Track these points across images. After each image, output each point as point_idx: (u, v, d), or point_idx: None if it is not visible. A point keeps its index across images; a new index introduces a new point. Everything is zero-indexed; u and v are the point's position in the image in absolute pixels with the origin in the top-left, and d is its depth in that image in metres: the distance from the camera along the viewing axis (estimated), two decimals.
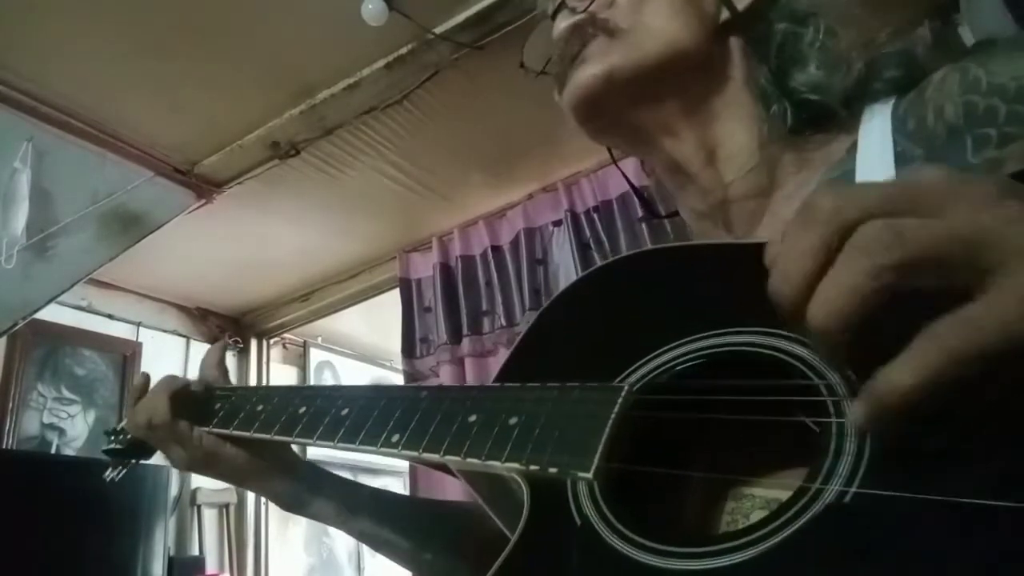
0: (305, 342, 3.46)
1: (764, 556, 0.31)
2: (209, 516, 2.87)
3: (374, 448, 0.50)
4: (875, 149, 0.48)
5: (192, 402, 0.69)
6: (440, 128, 2.08)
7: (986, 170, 0.41)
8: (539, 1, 0.67)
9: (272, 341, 3.33)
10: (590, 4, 0.58)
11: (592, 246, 2.26)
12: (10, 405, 2.30)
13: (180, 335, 2.97)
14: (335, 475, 0.71)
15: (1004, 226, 0.26)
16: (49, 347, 2.48)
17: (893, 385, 0.27)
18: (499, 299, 2.42)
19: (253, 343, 3.25)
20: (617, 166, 0.74)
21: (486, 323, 2.45)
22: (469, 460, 0.44)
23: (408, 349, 2.57)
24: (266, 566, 2.96)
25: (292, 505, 0.69)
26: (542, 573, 0.38)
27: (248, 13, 1.63)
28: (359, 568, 3.42)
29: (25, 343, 2.37)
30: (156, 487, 2.35)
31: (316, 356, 3.50)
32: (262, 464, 0.67)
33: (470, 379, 2.37)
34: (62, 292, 1.96)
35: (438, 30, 1.72)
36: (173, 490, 2.59)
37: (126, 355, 2.71)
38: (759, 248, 0.44)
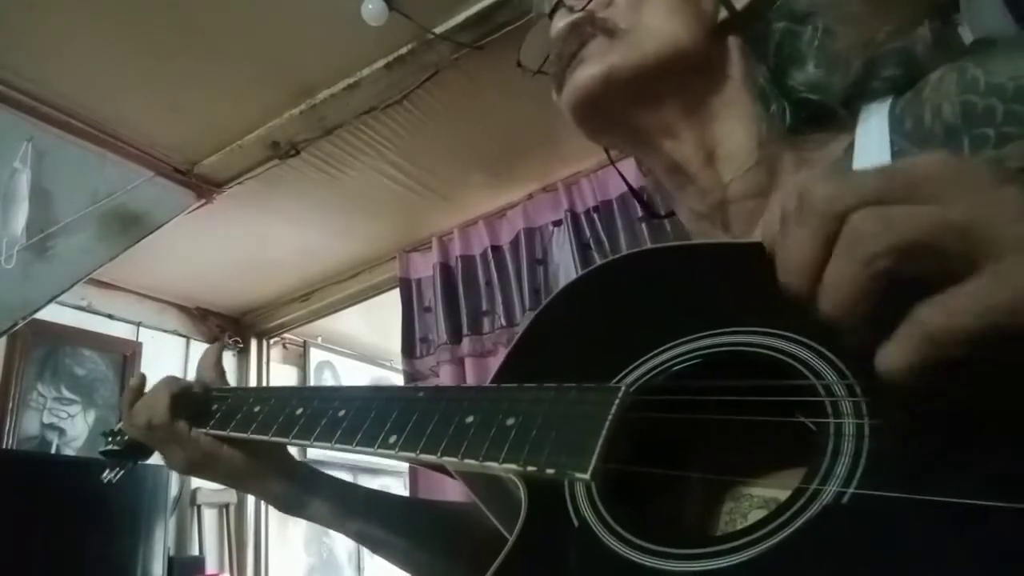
0: (305, 342, 3.46)
1: (762, 557, 0.31)
2: (209, 516, 2.87)
3: (371, 449, 0.50)
4: (872, 149, 0.48)
5: (191, 403, 0.69)
6: (440, 128, 2.08)
7: None
8: (535, 0, 0.67)
9: (272, 341, 3.33)
10: (588, 3, 0.58)
11: (592, 246, 2.26)
12: (10, 405, 2.30)
13: (180, 335, 2.97)
14: (331, 476, 0.71)
15: (996, 213, 0.27)
16: (49, 347, 2.49)
17: (884, 367, 0.28)
18: (499, 299, 2.42)
19: (253, 343, 3.25)
20: (615, 167, 0.74)
21: (486, 323, 2.45)
22: (466, 461, 0.44)
23: (408, 349, 2.57)
24: (266, 566, 2.96)
25: (288, 506, 0.69)
26: (540, 575, 0.38)
27: (248, 13, 1.63)
28: (359, 568, 3.42)
29: (25, 343, 2.37)
30: (156, 487, 2.35)
31: (316, 356, 3.50)
32: (259, 465, 0.67)
33: (470, 379, 2.37)
34: (62, 292, 1.96)
35: (438, 30, 1.72)
36: (173, 490, 2.59)
37: (126, 355, 2.71)
38: (757, 247, 0.44)
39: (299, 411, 0.59)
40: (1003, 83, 0.42)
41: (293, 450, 0.68)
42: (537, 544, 0.39)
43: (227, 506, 2.92)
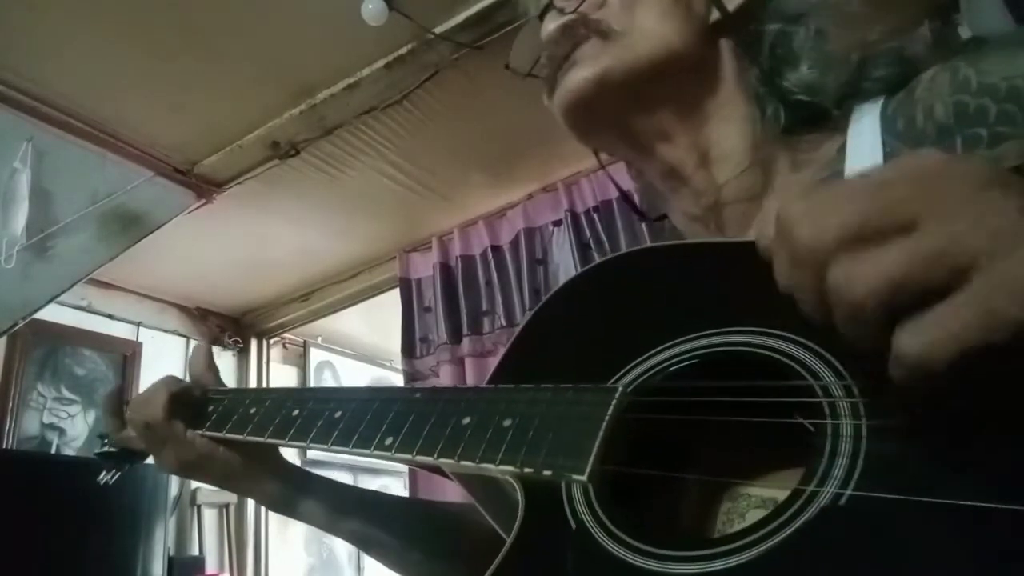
0: (305, 342, 3.46)
1: (760, 559, 0.31)
2: (209, 516, 2.87)
3: (367, 451, 0.50)
4: (865, 150, 0.48)
5: (189, 404, 0.69)
6: (440, 128, 2.08)
7: None
8: (523, 1, 0.67)
9: (272, 341, 3.33)
10: (580, 5, 0.58)
11: (592, 246, 2.26)
12: (10, 405, 2.30)
13: (180, 335, 2.97)
14: (325, 477, 0.70)
15: (969, 230, 0.27)
16: (49, 347, 2.49)
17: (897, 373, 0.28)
18: (499, 299, 2.42)
19: (253, 343, 3.25)
20: (606, 170, 0.74)
21: (486, 323, 2.45)
22: (463, 463, 0.44)
23: (408, 349, 2.57)
24: (266, 566, 2.96)
25: (280, 506, 0.68)
26: None
27: (248, 13, 1.63)
28: (359, 568, 3.42)
29: (25, 343, 2.37)
30: (156, 487, 2.35)
31: (316, 356, 3.50)
32: (252, 467, 0.67)
33: (470, 379, 2.37)
34: (62, 292, 1.96)
35: (438, 30, 1.72)
36: (173, 490, 2.59)
37: (126, 355, 2.71)
38: (755, 247, 0.44)
39: (295, 412, 0.59)
40: (995, 83, 0.41)
41: (292, 451, 0.68)
42: (534, 546, 0.39)
43: (227, 506, 2.92)
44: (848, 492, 0.31)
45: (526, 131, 2.07)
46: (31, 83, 1.76)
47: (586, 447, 0.39)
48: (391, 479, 3.48)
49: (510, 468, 0.42)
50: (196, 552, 2.77)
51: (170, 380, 0.70)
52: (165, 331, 2.90)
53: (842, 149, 0.50)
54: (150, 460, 0.74)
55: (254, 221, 2.47)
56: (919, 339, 0.27)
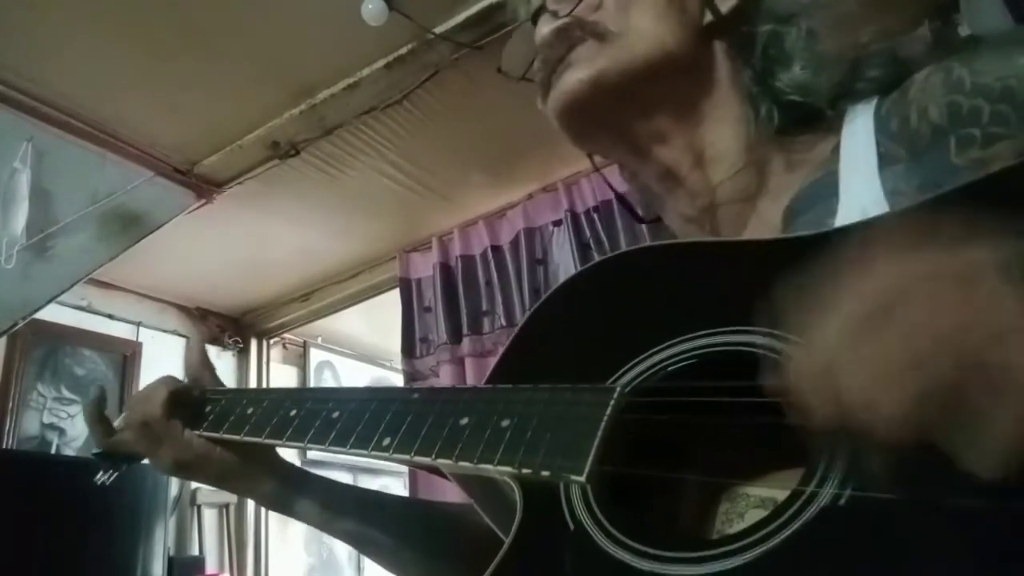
0: (305, 342, 3.46)
1: (760, 560, 0.31)
2: (209, 516, 2.87)
3: (365, 451, 0.50)
4: (858, 150, 0.48)
5: (187, 404, 0.68)
6: (440, 128, 2.08)
7: (970, 170, 0.41)
8: (511, 4, 0.67)
9: (272, 341, 3.33)
10: (574, 8, 0.58)
11: (592, 246, 2.26)
12: (10, 405, 2.30)
13: (180, 335, 2.97)
14: (322, 477, 0.70)
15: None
16: (49, 347, 2.49)
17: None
18: (499, 299, 2.42)
19: (253, 343, 3.25)
20: (600, 173, 0.74)
21: (486, 323, 2.45)
22: (461, 463, 0.44)
23: (408, 349, 2.57)
24: (266, 566, 2.96)
25: (277, 506, 0.68)
26: None
27: (248, 13, 1.63)
28: (359, 568, 3.42)
29: (25, 343, 2.37)
30: (156, 487, 2.34)
31: (316, 356, 3.49)
32: (249, 467, 0.67)
33: (470, 379, 2.37)
34: (62, 292, 1.97)
35: (438, 30, 1.72)
36: (173, 490, 2.59)
37: (126, 355, 2.71)
38: (753, 246, 0.44)
39: (293, 413, 0.59)
40: (989, 83, 0.42)
41: (292, 451, 0.68)
42: (532, 547, 0.39)
43: (227, 506, 2.92)
44: (847, 492, 0.31)
45: (526, 131, 2.06)
46: (31, 83, 1.76)
47: (584, 448, 0.39)
48: (391, 479, 3.48)
49: (508, 469, 0.41)
50: (196, 552, 2.77)
51: (169, 379, 0.70)
52: (165, 331, 2.90)
53: (836, 149, 0.50)
54: (146, 460, 0.74)
55: (254, 221, 2.47)
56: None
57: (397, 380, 3.57)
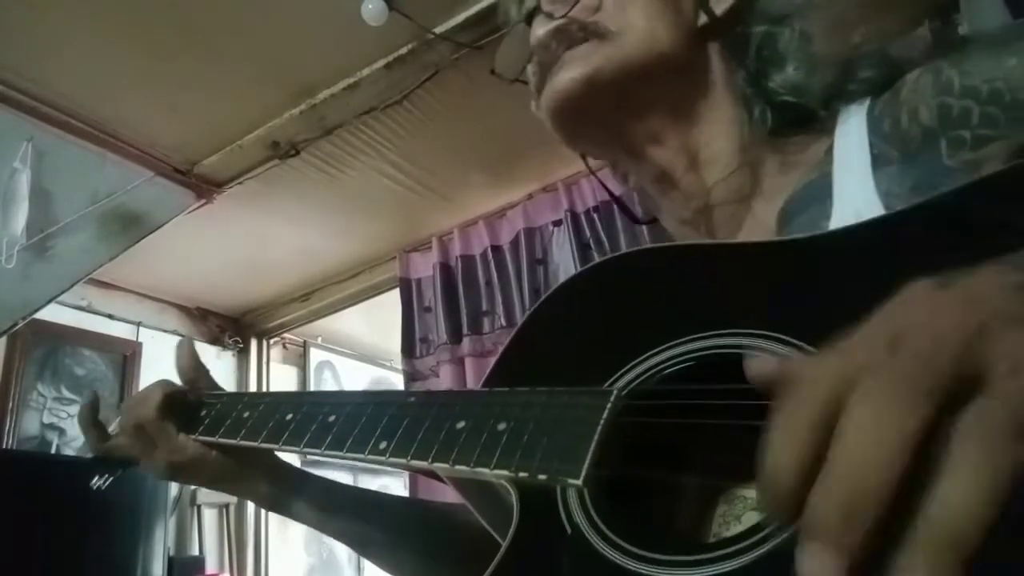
0: (305, 342, 3.46)
1: (755, 564, 0.31)
2: (209, 516, 2.87)
3: (362, 455, 0.49)
4: (852, 151, 0.48)
5: (182, 406, 0.68)
6: (440, 128, 2.08)
7: (962, 172, 0.41)
8: (502, 6, 0.66)
9: (272, 341, 3.33)
10: (570, 9, 0.58)
11: (592, 246, 2.26)
12: (10, 405, 2.31)
13: (180, 335, 2.97)
14: (320, 477, 0.70)
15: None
16: (49, 347, 2.49)
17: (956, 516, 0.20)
18: (499, 299, 2.42)
19: (253, 343, 3.25)
20: (595, 175, 0.74)
21: (486, 323, 2.45)
22: (457, 467, 0.44)
23: (408, 349, 2.57)
24: (266, 566, 2.96)
25: (273, 506, 0.68)
26: None
27: (248, 13, 1.63)
28: (359, 568, 3.42)
29: (25, 343, 2.37)
30: (156, 487, 2.34)
31: (316, 356, 3.49)
32: (244, 470, 0.66)
33: (470, 379, 2.37)
34: (62, 292, 1.97)
35: (438, 30, 1.72)
36: (173, 490, 2.59)
37: (126, 355, 2.71)
38: (749, 248, 0.44)
39: (289, 417, 0.58)
40: (977, 85, 0.42)
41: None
42: (529, 551, 0.39)
43: (227, 506, 2.92)
44: None
45: (526, 131, 2.06)
46: (31, 83, 1.76)
47: (581, 451, 0.39)
48: (391, 479, 3.48)
49: (505, 472, 0.41)
50: (196, 552, 2.77)
51: (164, 383, 0.70)
52: (165, 331, 2.90)
53: (830, 150, 0.50)
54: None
55: (254, 221, 2.47)
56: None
57: (397, 380, 3.57)
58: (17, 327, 1.92)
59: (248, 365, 3.20)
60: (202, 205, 2.22)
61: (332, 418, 0.54)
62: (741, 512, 0.40)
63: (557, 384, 0.44)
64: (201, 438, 0.65)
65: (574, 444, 0.40)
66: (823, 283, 0.39)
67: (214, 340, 3.12)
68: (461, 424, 0.45)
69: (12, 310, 1.86)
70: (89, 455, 0.74)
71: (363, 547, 0.69)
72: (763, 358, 0.28)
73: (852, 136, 0.49)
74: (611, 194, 0.74)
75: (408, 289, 2.65)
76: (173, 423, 0.67)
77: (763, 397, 0.36)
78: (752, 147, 0.56)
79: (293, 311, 3.11)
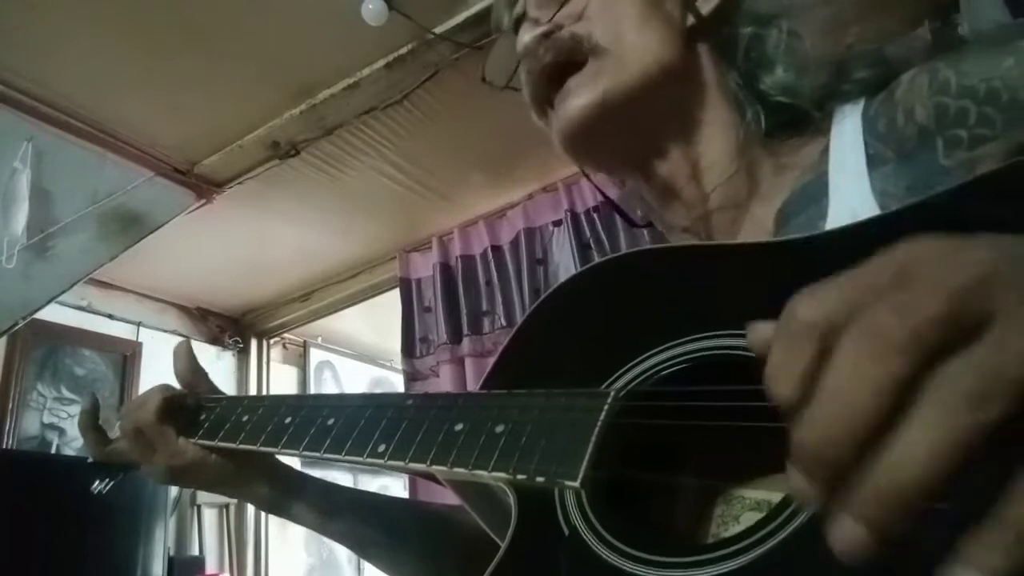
0: (305, 342, 3.46)
1: (753, 564, 0.31)
2: (209, 516, 2.87)
3: (360, 458, 0.49)
4: (847, 152, 0.48)
5: (182, 410, 0.68)
6: (440, 128, 2.08)
7: (958, 171, 0.41)
8: (495, 13, 0.66)
9: (272, 341, 3.33)
10: (555, 14, 0.57)
11: (592, 246, 2.26)
12: (10, 405, 2.31)
13: (180, 335, 2.97)
14: (318, 479, 0.70)
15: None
16: (49, 347, 2.49)
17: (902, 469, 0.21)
18: (499, 299, 2.42)
19: (253, 343, 3.25)
20: (592, 182, 0.74)
21: (486, 323, 2.45)
22: (456, 469, 0.44)
23: (408, 349, 2.57)
24: (266, 566, 2.96)
25: (272, 508, 0.68)
26: None
27: (248, 13, 1.63)
28: (359, 568, 3.42)
29: (25, 343, 2.38)
30: (156, 487, 2.34)
31: (316, 356, 3.50)
32: (244, 472, 0.66)
33: (470, 379, 2.37)
34: (62, 292, 1.97)
35: (438, 30, 1.72)
36: (173, 490, 2.59)
37: (126, 355, 2.72)
38: (746, 249, 0.44)
39: (288, 420, 0.58)
40: (974, 84, 0.42)
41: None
42: (527, 553, 0.39)
43: (227, 506, 2.92)
44: None
45: (526, 131, 2.04)
46: (31, 83, 1.76)
47: (579, 453, 0.39)
48: (391, 480, 3.48)
49: (503, 475, 0.41)
50: (196, 552, 2.77)
51: (164, 386, 0.70)
52: (165, 331, 2.90)
53: (825, 151, 0.50)
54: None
55: (254, 221, 2.47)
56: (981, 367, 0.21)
57: (397, 380, 3.58)
58: (17, 327, 1.92)
59: (248, 365, 3.20)
60: (202, 205, 2.22)
61: (331, 421, 0.54)
62: (740, 513, 0.40)
63: (556, 384, 0.44)
64: (200, 442, 0.65)
65: (572, 446, 0.40)
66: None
67: (214, 340, 3.12)
68: (459, 426, 0.45)
69: (12, 310, 1.86)
70: (88, 461, 0.74)
71: (363, 549, 0.69)
72: (762, 325, 0.28)
73: (847, 136, 0.49)
74: (609, 200, 0.74)
75: (408, 289, 2.65)
76: (172, 427, 0.66)
77: (763, 399, 0.36)
78: (748, 150, 0.56)
79: (293, 311, 3.11)
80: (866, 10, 0.54)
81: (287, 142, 2.06)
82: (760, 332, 0.28)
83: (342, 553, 3.36)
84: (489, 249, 2.49)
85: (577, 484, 0.38)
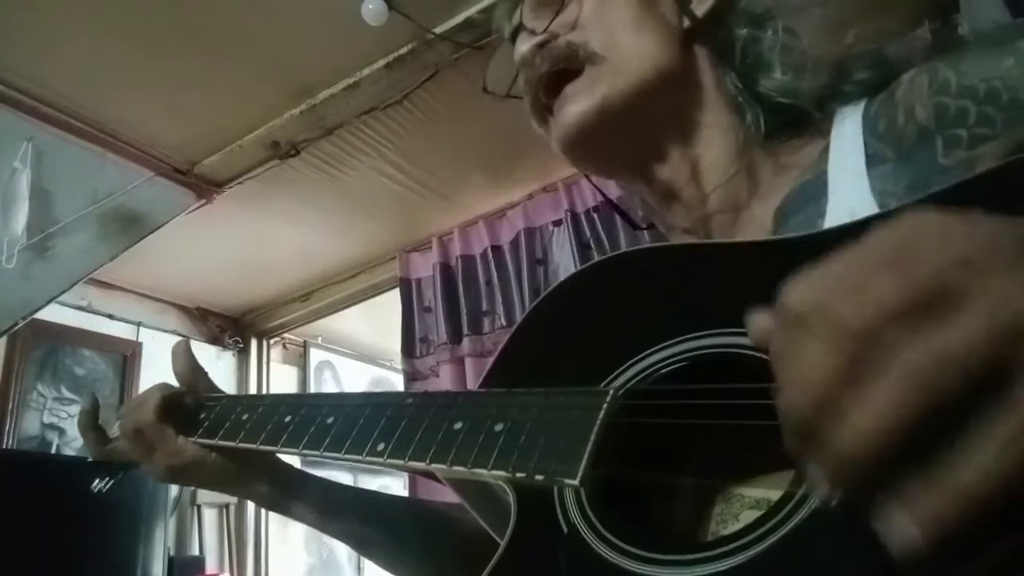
0: (305, 342, 3.46)
1: (752, 562, 0.31)
2: (209, 516, 2.87)
3: (360, 457, 0.49)
4: (847, 151, 0.48)
5: (181, 409, 0.68)
6: (440, 128, 2.08)
7: (957, 171, 0.41)
8: (496, 23, 0.66)
9: (272, 341, 3.33)
10: (550, 24, 0.57)
11: (592, 246, 2.26)
12: (10, 405, 2.31)
13: (180, 335, 2.97)
14: (319, 477, 0.70)
15: None
16: (49, 347, 2.49)
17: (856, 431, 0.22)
18: (499, 299, 2.42)
19: (253, 343, 3.25)
20: (595, 185, 0.74)
21: (486, 323, 2.45)
22: (455, 468, 0.44)
23: (408, 349, 2.57)
24: (266, 566, 2.96)
25: (273, 507, 0.68)
26: None
27: (248, 13, 1.63)
28: (359, 568, 3.42)
29: (25, 343, 2.38)
30: (156, 487, 2.34)
31: (316, 356, 3.50)
32: (244, 471, 0.67)
33: (470, 379, 2.37)
34: (62, 292, 1.97)
35: (438, 30, 1.72)
36: (173, 490, 2.59)
37: (126, 355, 2.72)
38: (744, 248, 0.44)
39: (287, 419, 0.58)
40: (974, 84, 0.42)
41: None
42: (527, 551, 0.39)
43: (227, 506, 2.92)
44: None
45: (526, 131, 2.04)
46: (31, 83, 1.76)
47: (578, 451, 0.39)
48: (391, 479, 3.48)
49: (502, 473, 0.41)
50: (196, 552, 2.77)
51: (163, 386, 0.70)
52: (165, 331, 2.90)
53: (825, 151, 0.50)
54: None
55: (254, 221, 2.47)
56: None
57: (397, 380, 3.58)
58: (17, 327, 1.92)
59: (248, 365, 3.20)
60: (202, 205, 2.22)
61: (330, 420, 0.54)
62: (739, 511, 0.41)
63: (555, 382, 0.44)
64: (200, 441, 0.65)
65: (571, 444, 0.40)
66: None
67: (214, 340, 3.12)
68: (458, 425, 0.46)
69: (12, 310, 1.86)
70: (88, 460, 0.74)
71: (363, 547, 0.69)
72: (761, 315, 0.28)
73: (847, 136, 0.49)
74: (610, 201, 0.74)
75: (408, 289, 2.65)
76: (172, 426, 0.66)
77: (761, 397, 0.36)
78: (748, 151, 0.56)
79: (293, 311, 3.11)
80: (866, 10, 0.54)
81: (287, 142, 2.06)
82: (760, 322, 0.29)
83: (342, 553, 3.36)
84: (489, 249, 2.49)
85: (576, 482, 0.38)
